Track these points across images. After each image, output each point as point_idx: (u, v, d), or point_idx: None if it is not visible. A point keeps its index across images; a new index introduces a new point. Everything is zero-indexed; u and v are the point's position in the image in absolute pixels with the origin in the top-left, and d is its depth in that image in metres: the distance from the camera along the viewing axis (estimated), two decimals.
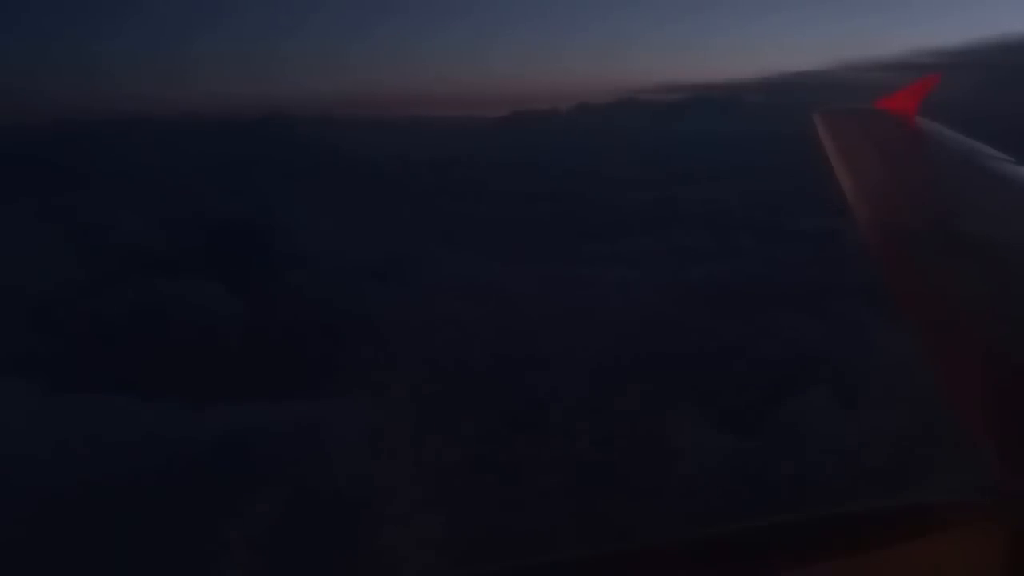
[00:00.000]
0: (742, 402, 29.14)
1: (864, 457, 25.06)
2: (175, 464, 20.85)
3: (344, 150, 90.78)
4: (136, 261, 43.76)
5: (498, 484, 24.93)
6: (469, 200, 66.37)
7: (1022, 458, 2.51)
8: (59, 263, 44.05)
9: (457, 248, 43.74)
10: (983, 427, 2.84)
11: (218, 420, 24.04)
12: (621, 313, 35.92)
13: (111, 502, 18.93)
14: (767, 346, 34.65)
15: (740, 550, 2.09)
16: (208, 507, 19.61)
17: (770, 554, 2.06)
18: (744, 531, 2.11)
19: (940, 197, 5.69)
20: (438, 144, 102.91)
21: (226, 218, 53.18)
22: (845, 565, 2.03)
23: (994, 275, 4.02)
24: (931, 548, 2.03)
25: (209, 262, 43.22)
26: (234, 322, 34.03)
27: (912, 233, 4.84)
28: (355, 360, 28.75)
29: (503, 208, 63.46)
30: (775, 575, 2.04)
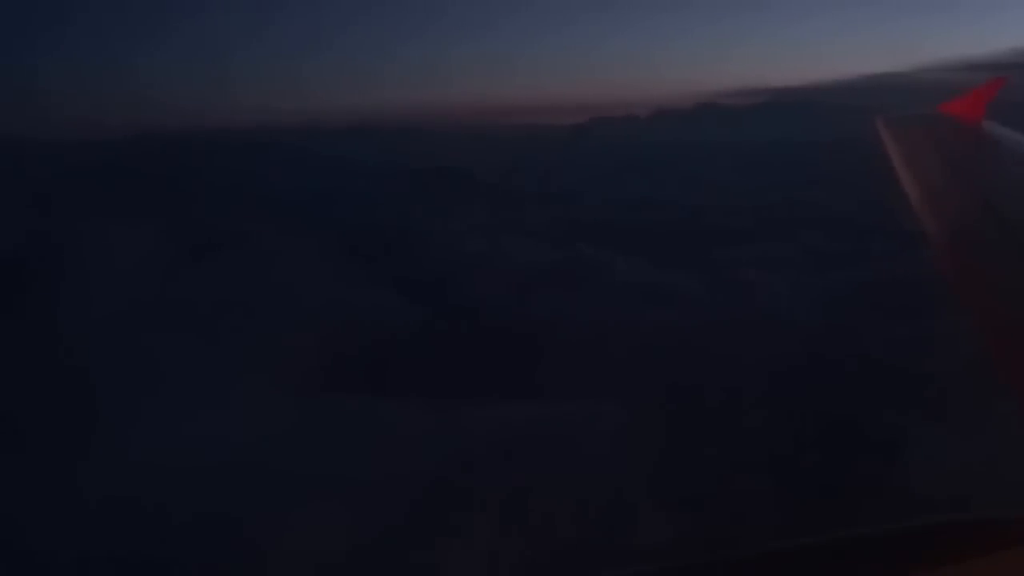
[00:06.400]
0: (949, 403, 29.29)
1: None
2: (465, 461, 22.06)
3: (442, 159, 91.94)
4: (303, 269, 45.13)
5: (715, 483, 25.74)
6: (586, 207, 67.15)
7: None
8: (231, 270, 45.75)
9: (613, 253, 44.41)
10: None
11: (477, 421, 25.13)
12: (796, 314, 36.39)
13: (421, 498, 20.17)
14: (945, 348, 34.66)
15: (815, 565, 2.12)
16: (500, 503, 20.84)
17: (841, 568, 2.09)
18: (820, 545, 2.14)
19: (1004, 201, 5.57)
20: (529, 152, 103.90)
21: (370, 225, 54.58)
22: None
23: None
24: (1006, 562, 2.01)
25: (376, 270, 44.38)
26: (430, 328, 35.07)
27: (977, 236, 4.87)
28: (564, 364, 29.74)
29: (621, 213, 64.12)
30: None
